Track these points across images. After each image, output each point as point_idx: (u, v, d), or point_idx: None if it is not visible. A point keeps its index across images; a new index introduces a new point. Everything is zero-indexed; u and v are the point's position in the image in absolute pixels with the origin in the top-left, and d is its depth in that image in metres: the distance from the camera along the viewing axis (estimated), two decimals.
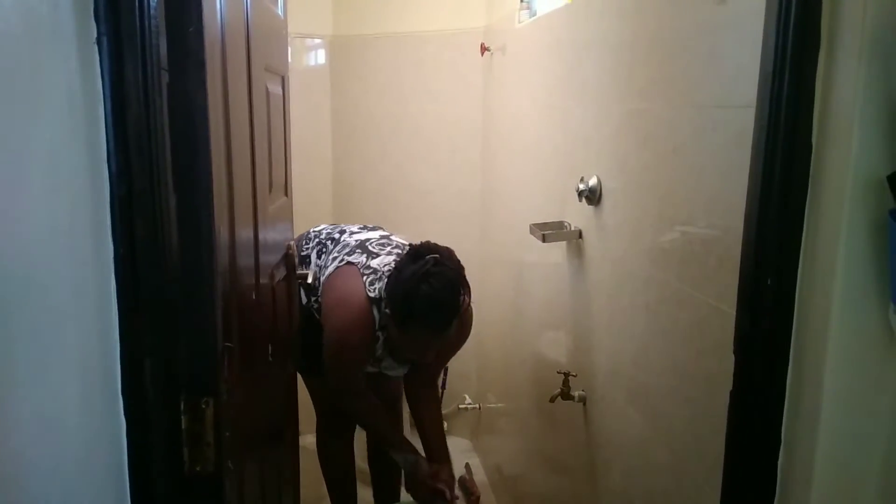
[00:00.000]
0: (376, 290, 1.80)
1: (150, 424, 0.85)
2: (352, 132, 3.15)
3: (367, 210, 3.16)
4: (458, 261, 1.79)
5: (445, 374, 2.92)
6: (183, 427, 0.91)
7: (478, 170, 3.07)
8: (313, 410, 2.88)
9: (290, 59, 2.98)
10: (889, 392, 0.83)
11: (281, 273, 1.43)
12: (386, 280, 1.79)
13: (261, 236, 1.18)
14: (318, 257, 2.00)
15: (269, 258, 1.29)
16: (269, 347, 1.30)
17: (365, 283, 1.81)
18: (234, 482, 1.02)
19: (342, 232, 2.06)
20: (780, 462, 0.91)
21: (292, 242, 1.57)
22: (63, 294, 0.69)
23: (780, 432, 0.90)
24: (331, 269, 1.91)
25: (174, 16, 0.83)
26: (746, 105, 0.97)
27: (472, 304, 1.86)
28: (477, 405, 3.12)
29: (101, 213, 0.76)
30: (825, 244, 0.84)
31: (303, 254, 2.03)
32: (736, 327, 0.96)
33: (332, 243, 2.01)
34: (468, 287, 1.80)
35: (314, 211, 3.11)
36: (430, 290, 1.65)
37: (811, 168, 0.85)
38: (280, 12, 1.50)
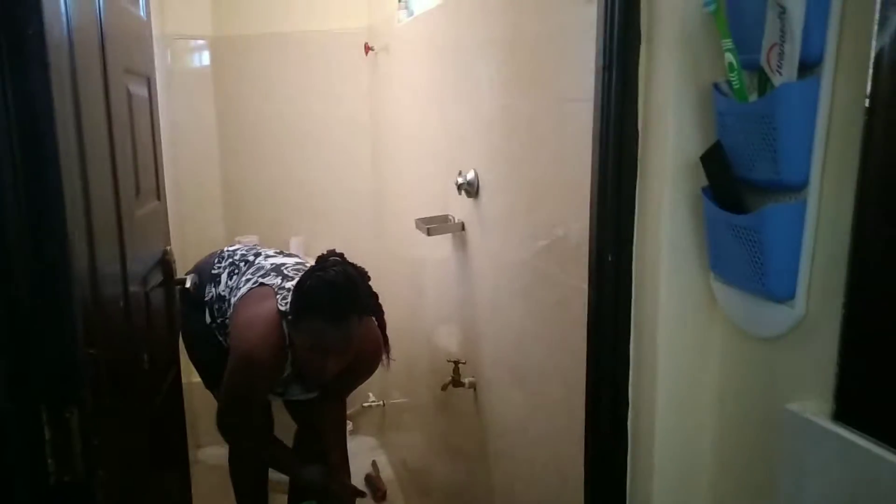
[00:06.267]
0: (288, 304, 1.77)
1: (5, 435, 0.83)
2: (239, 134, 3.10)
3: (260, 213, 3.12)
4: (367, 277, 1.79)
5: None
6: (46, 438, 0.89)
7: (369, 169, 3.09)
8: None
9: (170, 62, 2.93)
10: (714, 349, 0.92)
11: (156, 279, 1.41)
12: None
13: (127, 241, 1.16)
14: (230, 278, 1.97)
15: (140, 263, 1.26)
16: (145, 355, 1.28)
17: (278, 300, 1.80)
18: (110, 492, 1.00)
19: (257, 255, 2.03)
20: (629, 419, 0.99)
21: (169, 248, 1.54)
22: None
23: (627, 394, 0.99)
24: (244, 290, 1.88)
25: (11, 17, 0.81)
26: (591, 98, 1.05)
27: (385, 336, 1.86)
28: (381, 402, 3.14)
29: None
30: (652, 221, 0.92)
31: (213, 272, 2.00)
32: (587, 301, 1.04)
33: (245, 265, 1.98)
34: (382, 313, 1.81)
35: (204, 216, 3.04)
36: (325, 275, 1.67)
37: (639, 153, 0.94)
38: (142, 14, 1.47)
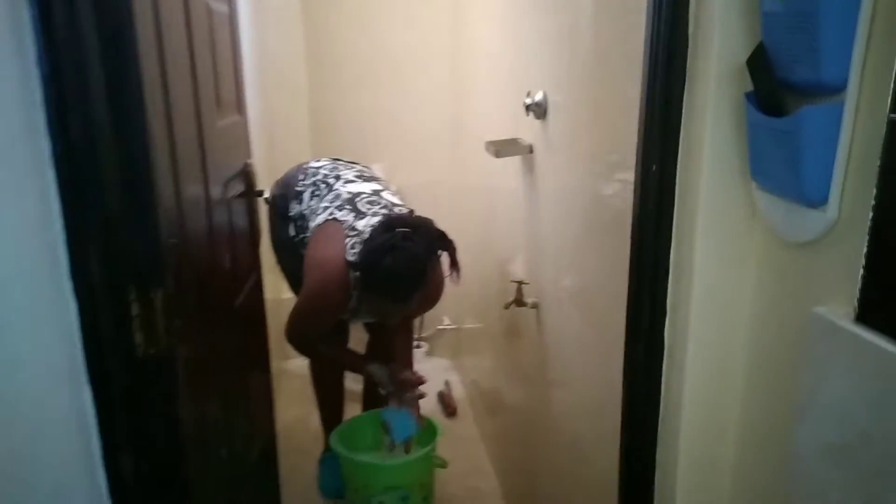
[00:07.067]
0: (356, 255, 1.87)
1: (99, 308, 0.96)
2: (326, 61, 3.19)
3: (345, 139, 3.22)
4: (435, 232, 1.84)
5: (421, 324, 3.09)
6: (134, 313, 1.02)
7: (448, 96, 3.12)
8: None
9: None
10: (752, 257, 0.93)
11: (237, 188, 1.52)
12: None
13: (208, 147, 1.26)
14: (311, 199, 2.08)
15: (220, 170, 1.37)
16: (227, 255, 1.40)
17: (347, 246, 1.89)
18: (191, 368, 1.14)
19: (338, 178, 2.12)
20: (666, 325, 1.02)
21: (250, 161, 1.65)
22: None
23: (665, 301, 1.01)
24: (320, 219, 1.99)
25: None
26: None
27: (455, 259, 1.90)
28: (455, 326, 3.25)
29: (35, 114, 0.85)
30: (697, 130, 0.92)
31: (297, 189, 2.12)
32: (633, 211, 1.06)
33: (325, 188, 2.08)
34: (451, 245, 1.86)
35: (292, 140, 3.18)
36: (392, 263, 1.74)
37: (688, 59, 0.93)
38: None
